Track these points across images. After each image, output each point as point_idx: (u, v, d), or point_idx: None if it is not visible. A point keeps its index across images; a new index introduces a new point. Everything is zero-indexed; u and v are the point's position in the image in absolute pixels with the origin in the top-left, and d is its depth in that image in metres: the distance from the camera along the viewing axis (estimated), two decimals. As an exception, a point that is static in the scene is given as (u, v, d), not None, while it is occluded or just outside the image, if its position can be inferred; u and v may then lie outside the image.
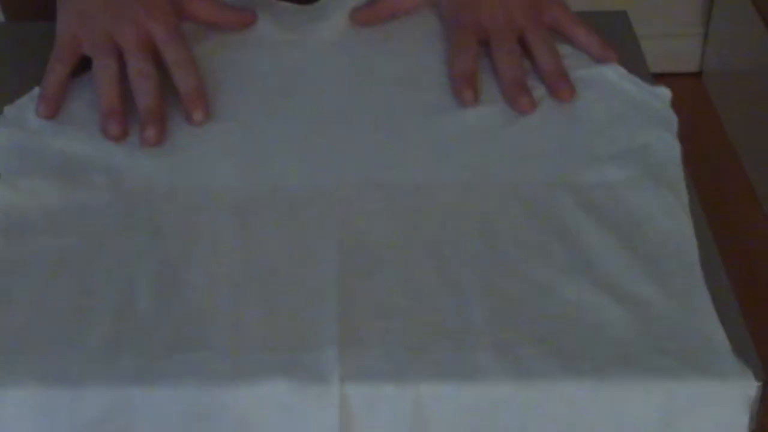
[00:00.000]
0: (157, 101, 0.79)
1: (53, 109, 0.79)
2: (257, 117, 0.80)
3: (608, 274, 0.67)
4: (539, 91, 0.82)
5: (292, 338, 0.63)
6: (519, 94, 0.81)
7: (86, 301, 0.66)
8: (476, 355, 0.62)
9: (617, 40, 0.91)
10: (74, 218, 0.71)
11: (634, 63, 0.88)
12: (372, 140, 0.78)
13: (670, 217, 0.72)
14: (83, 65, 0.82)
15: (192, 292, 0.66)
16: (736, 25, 1.95)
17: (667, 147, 0.77)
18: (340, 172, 0.75)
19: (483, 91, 0.82)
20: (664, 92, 0.82)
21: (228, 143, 0.77)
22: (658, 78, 0.86)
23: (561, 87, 0.82)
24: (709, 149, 1.91)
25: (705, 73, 2.07)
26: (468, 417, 0.61)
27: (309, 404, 0.61)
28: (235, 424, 0.61)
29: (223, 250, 0.69)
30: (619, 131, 0.78)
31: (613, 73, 0.84)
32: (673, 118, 0.80)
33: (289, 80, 0.84)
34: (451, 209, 0.72)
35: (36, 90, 0.81)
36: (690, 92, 2.03)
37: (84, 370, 0.62)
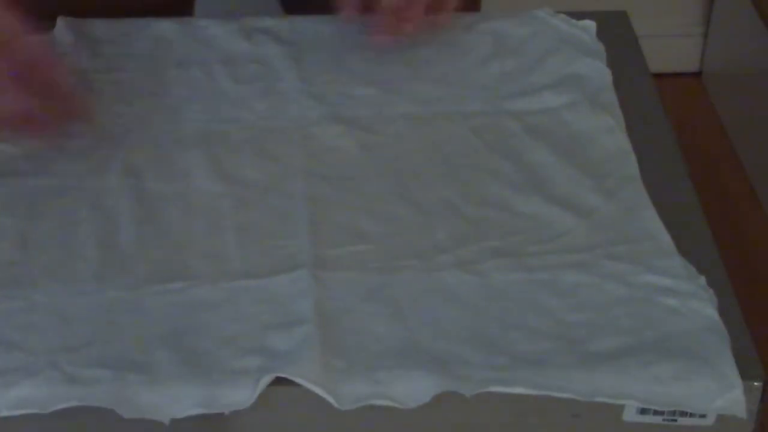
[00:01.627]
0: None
1: None
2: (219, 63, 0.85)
3: (558, 189, 0.73)
4: (484, 30, 0.87)
5: (266, 264, 0.67)
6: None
7: (70, 236, 0.70)
8: (444, 272, 0.67)
9: (617, 39, 0.91)
10: (54, 161, 0.75)
11: (634, 63, 0.89)
12: (329, 80, 0.83)
13: (610, 136, 0.77)
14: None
15: (170, 225, 0.70)
16: (736, 25, 1.95)
17: (600, 74, 0.83)
18: (302, 108, 0.80)
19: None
20: (590, 24, 0.88)
21: (195, 88, 0.82)
22: (658, 78, 0.86)
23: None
24: (709, 149, 1.90)
25: (705, 73, 2.07)
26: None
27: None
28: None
29: (196, 184, 0.74)
30: (553, 63, 0.84)
31: (542, 12, 0.89)
32: (600, 48, 0.85)
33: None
34: (405, 139, 0.78)
35: None
36: (690, 92, 2.02)
37: (71, 301, 0.65)
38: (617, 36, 0.91)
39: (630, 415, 0.62)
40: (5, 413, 0.61)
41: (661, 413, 0.62)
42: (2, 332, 0.64)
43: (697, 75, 2.07)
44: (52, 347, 0.63)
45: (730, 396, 0.61)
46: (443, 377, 0.61)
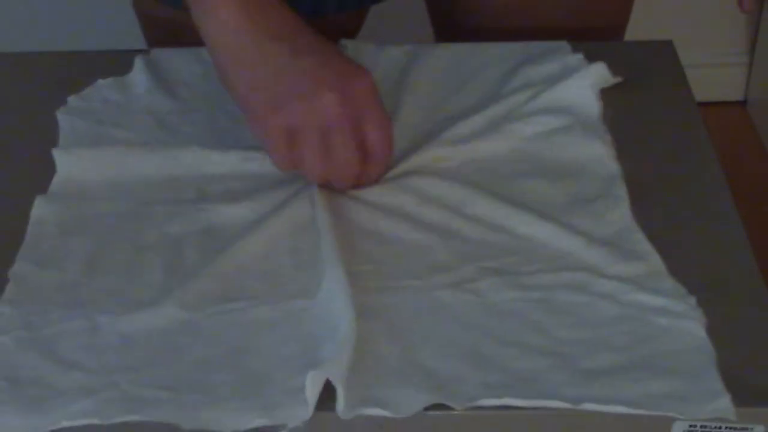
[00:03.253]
0: None
1: None
2: None
3: (552, 212, 0.75)
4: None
5: (315, 286, 0.70)
6: None
7: (136, 259, 0.72)
8: (440, 292, 0.70)
9: (663, 69, 0.92)
10: (128, 187, 0.78)
11: (680, 92, 0.89)
12: None
13: (599, 161, 0.80)
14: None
15: (231, 250, 0.72)
16: (781, 54, 1.95)
17: (589, 102, 0.85)
18: None
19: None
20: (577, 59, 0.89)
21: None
22: (704, 107, 0.87)
23: None
24: (754, 178, 1.90)
25: (749, 102, 2.06)
26: None
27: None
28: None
29: (253, 213, 0.76)
30: (546, 89, 0.85)
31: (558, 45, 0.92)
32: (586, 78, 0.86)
33: None
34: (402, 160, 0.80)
35: (99, 82, 0.88)
36: (735, 121, 2.02)
37: (132, 322, 0.67)
38: (663, 65, 0.92)
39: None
40: (65, 423, 0.62)
41: (707, 428, 0.63)
42: (63, 352, 0.66)
43: (742, 104, 2.07)
44: (111, 367, 0.65)
45: (719, 403, 0.62)
46: (436, 391, 0.63)
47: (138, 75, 0.90)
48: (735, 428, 0.63)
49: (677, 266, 0.72)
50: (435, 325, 0.68)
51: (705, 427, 0.63)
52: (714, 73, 2.00)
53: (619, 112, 0.87)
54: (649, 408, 0.62)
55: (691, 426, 0.63)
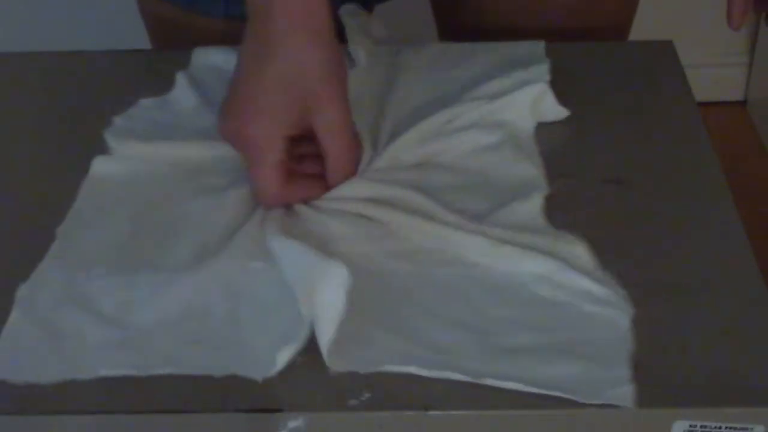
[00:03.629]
0: None
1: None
2: None
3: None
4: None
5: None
6: None
7: (177, 227, 0.75)
8: (381, 259, 0.72)
9: (663, 68, 0.92)
10: (199, 169, 0.80)
11: (680, 92, 0.89)
12: None
13: (529, 184, 0.79)
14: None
15: (250, 240, 0.74)
16: (781, 54, 1.95)
17: (525, 123, 0.85)
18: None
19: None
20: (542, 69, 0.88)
21: None
22: (704, 107, 0.87)
23: None
24: (754, 178, 1.90)
25: (750, 102, 2.06)
26: None
27: None
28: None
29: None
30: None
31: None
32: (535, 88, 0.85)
33: None
34: None
35: (142, 102, 0.88)
36: (735, 121, 2.02)
37: (170, 280, 0.71)
38: (663, 65, 0.92)
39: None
40: (103, 373, 0.65)
41: (707, 428, 0.63)
42: (102, 308, 0.69)
43: (742, 104, 2.07)
44: (147, 324, 0.68)
45: (619, 390, 0.63)
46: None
47: (182, 93, 0.89)
48: (735, 428, 0.63)
49: (677, 266, 0.72)
50: (368, 291, 0.69)
51: (705, 427, 0.63)
52: (714, 73, 2.00)
53: (619, 112, 0.87)
54: (547, 388, 0.63)
55: (691, 426, 0.63)
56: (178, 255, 0.73)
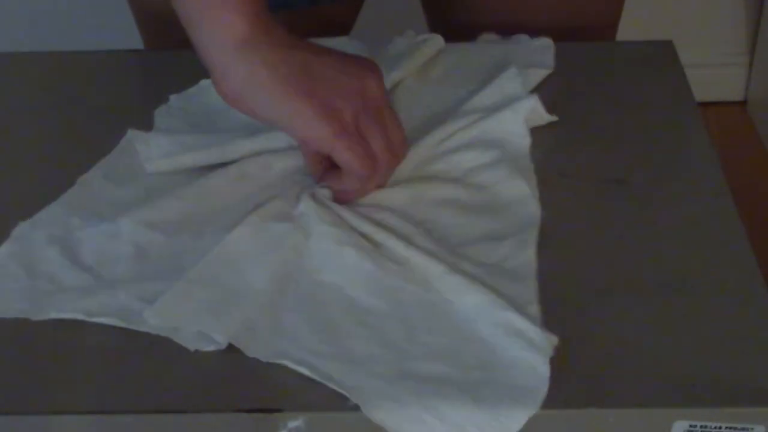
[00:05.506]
0: None
1: None
2: None
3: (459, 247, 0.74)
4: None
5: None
6: None
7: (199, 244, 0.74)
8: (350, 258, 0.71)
9: (663, 69, 0.92)
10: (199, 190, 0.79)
11: (680, 92, 0.89)
12: None
13: (522, 203, 0.77)
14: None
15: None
16: (781, 54, 1.95)
17: (520, 140, 0.83)
18: None
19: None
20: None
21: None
22: (704, 107, 0.87)
23: None
24: (754, 177, 1.90)
25: (750, 102, 2.06)
26: None
27: None
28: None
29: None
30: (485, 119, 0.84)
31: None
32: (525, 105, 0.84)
33: None
34: None
35: (203, 82, 0.89)
36: (735, 121, 2.02)
37: (152, 240, 0.73)
38: (663, 65, 0.92)
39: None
40: (53, 315, 0.68)
41: (707, 428, 0.63)
42: (83, 255, 0.72)
43: (742, 104, 2.07)
44: (118, 277, 0.71)
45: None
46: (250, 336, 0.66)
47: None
48: (735, 428, 0.63)
49: (677, 266, 0.72)
50: (312, 289, 0.69)
51: (705, 427, 0.63)
52: (714, 73, 2.00)
53: (619, 112, 0.87)
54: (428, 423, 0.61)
55: (691, 426, 0.63)
56: (172, 219, 0.74)
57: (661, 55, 0.93)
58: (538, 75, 0.90)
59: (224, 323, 0.66)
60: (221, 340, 0.66)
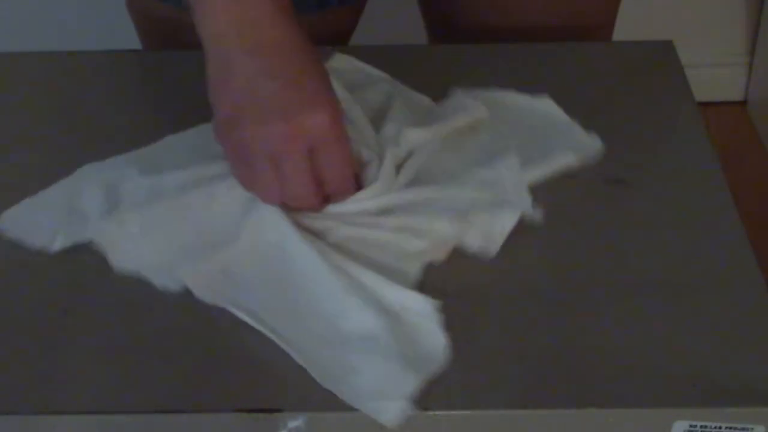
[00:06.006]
0: None
1: None
2: None
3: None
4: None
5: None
6: None
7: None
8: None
9: (663, 69, 0.92)
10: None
11: (680, 92, 0.89)
12: None
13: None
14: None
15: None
16: (781, 54, 1.95)
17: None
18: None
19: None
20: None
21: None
22: (703, 106, 0.87)
23: None
24: (754, 177, 1.90)
25: (750, 102, 2.06)
26: None
27: None
28: None
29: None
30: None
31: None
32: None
33: None
34: None
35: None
36: (734, 121, 2.02)
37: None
38: (663, 65, 0.92)
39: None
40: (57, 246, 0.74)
41: (707, 428, 0.63)
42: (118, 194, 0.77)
43: (742, 104, 2.07)
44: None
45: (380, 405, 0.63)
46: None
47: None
48: (735, 428, 0.63)
49: (677, 266, 0.72)
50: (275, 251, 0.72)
51: (705, 427, 0.63)
52: (714, 73, 2.00)
53: (620, 112, 0.87)
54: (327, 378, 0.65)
55: (691, 426, 0.63)
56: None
57: (661, 55, 0.93)
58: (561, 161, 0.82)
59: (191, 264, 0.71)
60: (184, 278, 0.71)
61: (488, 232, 0.74)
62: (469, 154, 0.82)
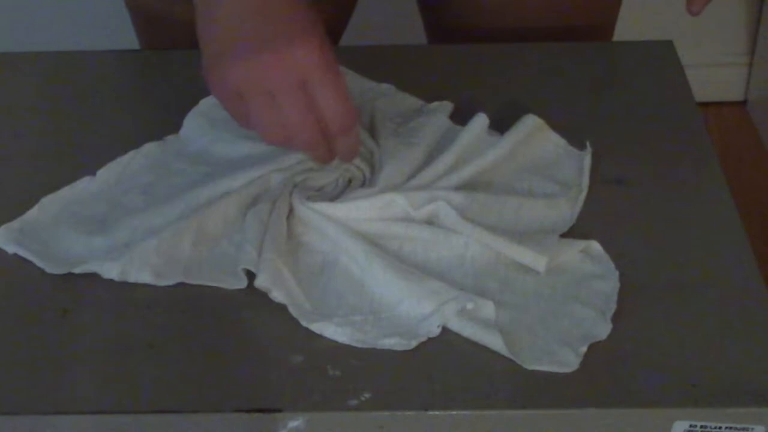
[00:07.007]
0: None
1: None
2: None
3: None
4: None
5: None
6: None
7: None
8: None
9: (663, 69, 0.92)
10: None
11: (680, 92, 0.89)
12: None
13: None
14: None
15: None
16: (781, 54, 1.95)
17: None
18: None
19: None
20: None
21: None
22: (704, 107, 0.87)
23: None
24: (754, 178, 1.90)
25: (750, 102, 2.06)
26: None
27: None
28: None
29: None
30: None
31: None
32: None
33: None
34: None
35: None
36: (735, 121, 2.02)
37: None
38: (663, 65, 0.92)
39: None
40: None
41: (707, 428, 0.63)
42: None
43: (742, 104, 2.07)
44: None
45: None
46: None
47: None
48: (735, 428, 0.63)
49: (677, 265, 0.72)
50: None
51: (705, 427, 0.63)
52: (714, 73, 2.00)
53: (619, 112, 0.87)
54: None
55: (691, 426, 0.63)
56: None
57: (661, 55, 0.93)
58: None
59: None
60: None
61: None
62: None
